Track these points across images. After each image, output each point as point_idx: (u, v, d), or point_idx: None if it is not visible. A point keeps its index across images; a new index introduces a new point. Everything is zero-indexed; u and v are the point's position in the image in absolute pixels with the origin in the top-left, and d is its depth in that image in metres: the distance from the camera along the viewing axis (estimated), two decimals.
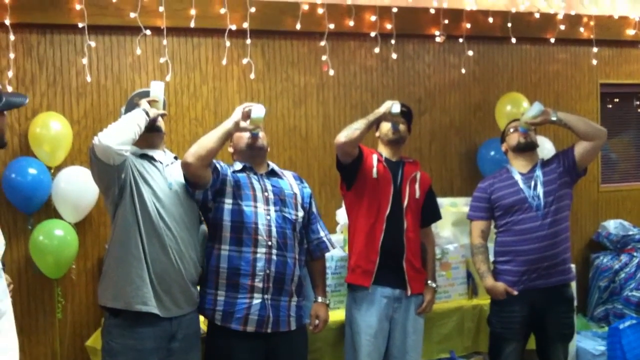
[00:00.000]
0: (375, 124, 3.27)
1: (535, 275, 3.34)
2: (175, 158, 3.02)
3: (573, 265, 3.60)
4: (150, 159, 2.87)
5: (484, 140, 4.76)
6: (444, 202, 4.06)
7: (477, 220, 3.54)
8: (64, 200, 3.73)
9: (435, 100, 4.78)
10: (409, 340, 3.31)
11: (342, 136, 3.14)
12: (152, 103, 2.87)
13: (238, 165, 3.03)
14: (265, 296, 2.88)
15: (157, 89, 2.92)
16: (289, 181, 3.11)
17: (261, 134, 3.04)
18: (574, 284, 3.58)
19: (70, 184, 3.71)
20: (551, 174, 3.42)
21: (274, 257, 2.90)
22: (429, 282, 3.41)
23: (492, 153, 4.60)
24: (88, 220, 3.91)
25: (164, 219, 2.78)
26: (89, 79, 3.91)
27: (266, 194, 2.97)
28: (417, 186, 3.37)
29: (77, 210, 3.78)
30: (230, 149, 3.15)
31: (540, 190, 3.37)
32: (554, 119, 3.36)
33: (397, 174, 3.34)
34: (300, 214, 3.06)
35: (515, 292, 3.35)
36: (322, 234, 3.18)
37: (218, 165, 2.93)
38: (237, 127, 2.84)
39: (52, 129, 3.74)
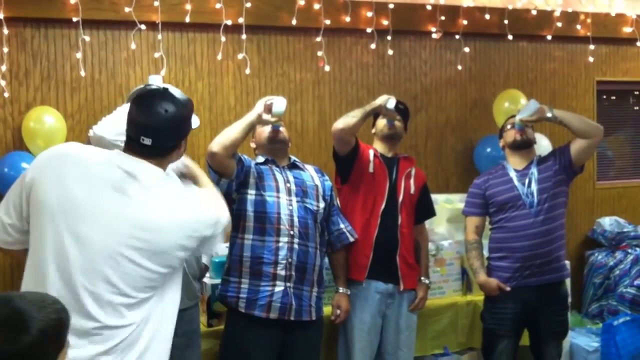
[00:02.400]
0: (372, 115, 3.28)
1: (528, 273, 3.33)
2: None
3: (568, 262, 3.60)
4: None
5: (480, 138, 4.75)
6: (439, 199, 4.06)
7: (471, 216, 3.54)
8: None
9: (431, 97, 4.76)
10: (402, 337, 3.32)
11: (340, 123, 3.17)
12: None
13: (260, 159, 3.09)
14: (288, 284, 2.92)
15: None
16: (310, 173, 3.17)
17: (282, 128, 3.09)
18: (568, 281, 3.58)
19: None
20: (547, 172, 3.41)
21: (296, 246, 2.94)
22: (422, 278, 3.41)
23: (489, 150, 4.58)
24: None
25: None
26: (83, 73, 3.90)
27: (288, 185, 3.02)
28: (412, 182, 3.37)
29: None
30: (252, 144, 3.20)
31: (534, 187, 3.36)
32: (549, 116, 3.35)
33: (393, 169, 3.35)
34: (322, 205, 3.10)
35: (508, 288, 3.35)
36: (342, 225, 3.22)
37: (242, 157, 2.98)
38: (259, 120, 2.89)
39: (46, 124, 3.73)
